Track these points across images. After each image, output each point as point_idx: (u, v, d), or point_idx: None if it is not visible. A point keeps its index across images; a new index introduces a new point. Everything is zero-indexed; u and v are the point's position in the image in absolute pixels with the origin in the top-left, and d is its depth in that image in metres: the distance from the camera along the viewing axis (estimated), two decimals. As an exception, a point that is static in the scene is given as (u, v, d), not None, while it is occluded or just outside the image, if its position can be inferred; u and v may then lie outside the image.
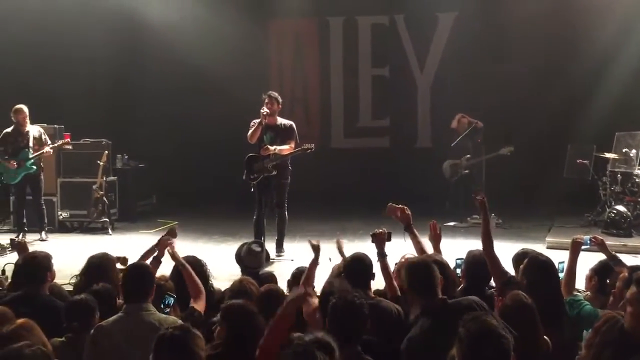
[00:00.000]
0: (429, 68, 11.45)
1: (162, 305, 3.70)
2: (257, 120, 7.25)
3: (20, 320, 3.06)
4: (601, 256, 4.55)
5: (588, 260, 4.50)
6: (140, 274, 3.60)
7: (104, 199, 9.15)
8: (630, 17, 9.94)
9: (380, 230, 4.28)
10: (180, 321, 3.37)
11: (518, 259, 4.21)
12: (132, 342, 3.31)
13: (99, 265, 4.24)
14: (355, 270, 3.92)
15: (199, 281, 4.03)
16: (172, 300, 3.78)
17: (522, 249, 4.49)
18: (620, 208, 8.09)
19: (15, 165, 8.43)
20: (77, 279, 4.38)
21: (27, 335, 2.89)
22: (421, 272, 3.39)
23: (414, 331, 3.19)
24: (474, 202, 4.51)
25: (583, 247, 4.44)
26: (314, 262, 4.46)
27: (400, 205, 4.62)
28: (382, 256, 4.17)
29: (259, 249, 4.94)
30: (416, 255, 4.43)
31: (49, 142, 8.72)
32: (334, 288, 3.55)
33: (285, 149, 7.22)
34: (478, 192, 4.63)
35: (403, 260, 4.41)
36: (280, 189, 7.33)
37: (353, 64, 11.78)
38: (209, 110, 11.07)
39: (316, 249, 4.57)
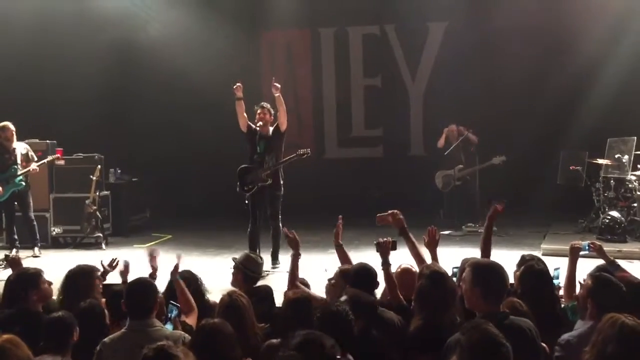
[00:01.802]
0: (421, 77, 11.50)
1: (164, 318, 3.62)
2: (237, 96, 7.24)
3: (5, 336, 3.02)
4: (599, 262, 4.54)
5: (586, 266, 4.49)
6: (143, 290, 3.53)
7: (97, 213, 9.10)
8: (620, 24, 10.01)
9: (385, 239, 4.20)
10: (186, 335, 3.32)
11: (521, 264, 4.20)
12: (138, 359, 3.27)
13: (76, 280, 4.19)
14: (361, 280, 3.90)
15: (191, 297, 4.00)
16: (175, 311, 3.68)
17: (530, 254, 4.45)
18: (614, 214, 8.10)
19: (1, 191, 8.37)
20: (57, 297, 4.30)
21: (14, 350, 2.86)
22: (494, 275, 3.22)
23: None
24: (488, 205, 4.46)
25: (581, 252, 4.45)
26: (295, 257, 4.42)
27: (390, 212, 4.55)
28: (386, 265, 4.11)
29: (258, 258, 4.92)
30: (413, 264, 4.41)
31: (36, 158, 8.68)
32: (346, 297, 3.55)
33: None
34: (501, 202, 4.55)
35: (399, 270, 4.39)
36: (274, 201, 7.30)
37: (345, 74, 11.83)
38: (202, 123, 11.05)
39: (292, 242, 4.52)
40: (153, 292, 3.57)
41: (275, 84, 7.20)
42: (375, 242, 4.24)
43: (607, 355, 2.73)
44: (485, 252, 4.25)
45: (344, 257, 4.75)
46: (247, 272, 4.62)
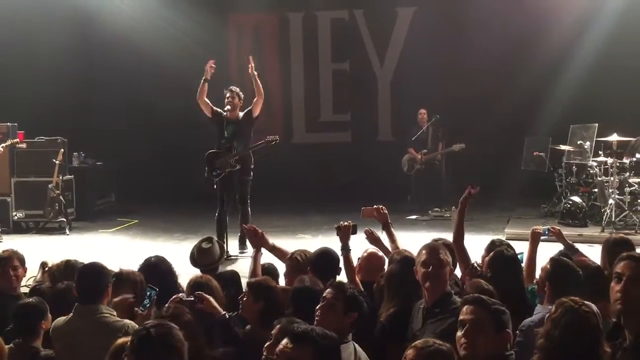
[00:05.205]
0: (389, 62, 11.53)
1: (144, 301, 3.37)
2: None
3: None
4: (560, 246, 4.64)
5: (547, 250, 4.59)
6: (92, 274, 3.42)
7: (61, 198, 8.93)
8: (585, 14, 10.20)
9: (346, 223, 4.17)
10: (131, 325, 3.20)
11: (490, 248, 4.23)
12: (83, 344, 3.21)
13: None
14: (322, 265, 3.91)
15: None
16: (153, 294, 3.39)
17: (499, 239, 4.45)
18: (576, 199, 8.30)
19: None
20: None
21: None
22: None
23: None
24: (464, 189, 4.44)
25: (542, 237, 4.53)
26: (255, 256, 4.32)
27: (375, 206, 4.59)
28: (345, 250, 4.08)
29: (208, 245, 4.69)
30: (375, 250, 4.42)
31: None
32: (306, 284, 3.54)
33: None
34: (475, 185, 4.52)
35: (365, 254, 4.40)
36: (243, 185, 7.27)
37: (313, 59, 11.77)
38: (169, 106, 10.89)
39: (252, 240, 4.41)
40: (103, 277, 3.43)
41: (250, 59, 7.15)
42: (335, 226, 4.23)
43: (554, 339, 2.69)
44: (458, 235, 4.25)
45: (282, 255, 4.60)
46: (201, 269, 4.46)
